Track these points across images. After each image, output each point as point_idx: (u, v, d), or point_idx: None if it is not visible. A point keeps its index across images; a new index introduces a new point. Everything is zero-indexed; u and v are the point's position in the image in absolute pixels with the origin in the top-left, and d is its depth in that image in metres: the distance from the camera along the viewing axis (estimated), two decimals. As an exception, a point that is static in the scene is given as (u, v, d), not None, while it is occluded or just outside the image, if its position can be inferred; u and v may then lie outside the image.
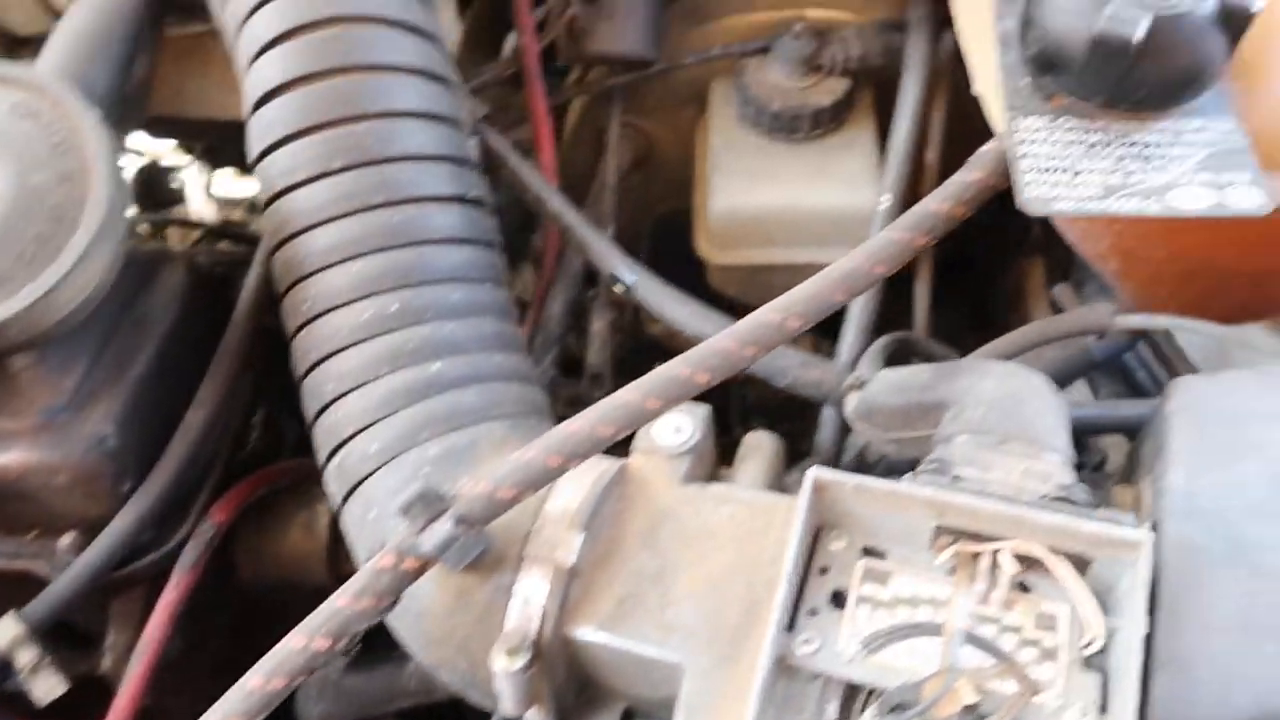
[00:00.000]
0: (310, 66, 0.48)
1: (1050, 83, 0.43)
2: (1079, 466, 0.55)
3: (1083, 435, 0.52)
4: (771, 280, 0.67)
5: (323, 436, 0.48)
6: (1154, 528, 0.36)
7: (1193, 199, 0.39)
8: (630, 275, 0.56)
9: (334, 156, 0.48)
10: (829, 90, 0.65)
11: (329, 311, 0.47)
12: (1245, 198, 0.39)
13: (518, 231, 0.75)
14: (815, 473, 0.38)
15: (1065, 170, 0.41)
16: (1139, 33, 0.38)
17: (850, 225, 0.62)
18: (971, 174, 0.43)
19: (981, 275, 0.81)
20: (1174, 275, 0.54)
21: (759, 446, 0.49)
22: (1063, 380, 0.59)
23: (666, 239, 0.76)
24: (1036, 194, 0.40)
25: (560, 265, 0.67)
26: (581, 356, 0.68)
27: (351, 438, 0.46)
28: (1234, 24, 0.39)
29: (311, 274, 0.48)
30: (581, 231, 0.58)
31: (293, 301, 0.49)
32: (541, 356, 0.65)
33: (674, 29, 0.71)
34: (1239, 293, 0.56)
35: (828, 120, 0.65)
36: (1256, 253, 0.49)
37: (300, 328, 0.48)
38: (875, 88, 0.67)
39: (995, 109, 0.46)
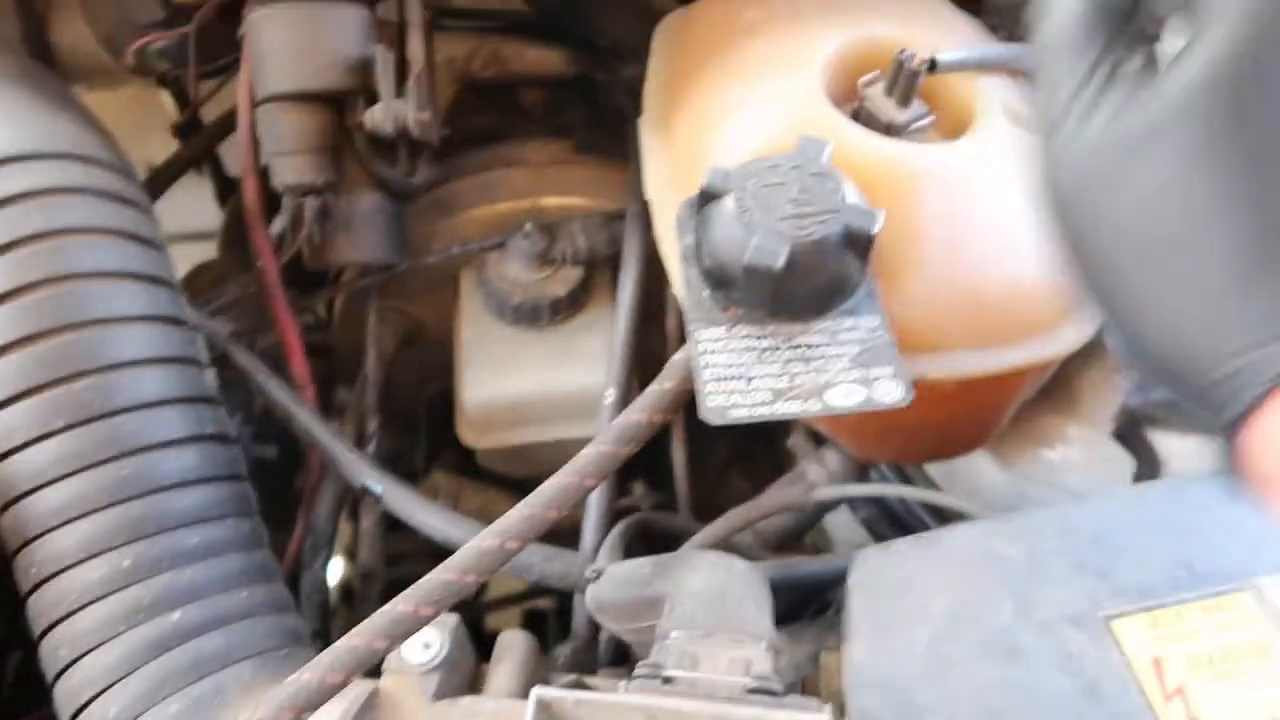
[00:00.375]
0: (25, 329, 0.48)
1: (724, 296, 0.48)
2: (824, 608, 0.59)
3: (814, 588, 0.57)
4: (534, 456, 0.71)
5: (62, 702, 0.47)
6: (842, 702, 0.41)
7: (846, 396, 0.45)
8: (378, 486, 0.58)
9: (55, 417, 0.48)
10: (564, 280, 0.69)
11: (59, 574, 0.47)
12: (888, 392, 0.45)
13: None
14: (537, 692, 0.40)
15: (740, 378, 0.45)
16: (780, 261, 0.44)
17: (597, 401, 0.66)
18: (665, 383, 0.48)
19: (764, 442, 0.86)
20: (873, 432, 0.60)
21: (511, 647, 0.51)
22: (803, 529, 0.65)
23: (444, 413, 0.78)
24: (715, 404, 0.44)
25: (326, 464, 0.68)
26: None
27: (89, 702, 0.45)
28: (859, 244, 0.46)
29: (38, 537, 0.47)
30: (330, 446, 0.60)
31: (21, 565, 0.48)
32: (312, 560, 0.65)
33: (422, 222, 0.75)
34: (937, 438, 0.63)
35: (566, 307, 0.70)
36: (930, 412, 0.56)
37: (31, 592, 0.48)
38: (613, 270, 0.72)
39: (685, 308, 0.51)
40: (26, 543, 0.48)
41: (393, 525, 0.70)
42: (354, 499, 0.70)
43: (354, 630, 0.42)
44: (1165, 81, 0.28)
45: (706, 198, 0.47)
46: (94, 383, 0.48)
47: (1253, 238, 0.26)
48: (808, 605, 0.61)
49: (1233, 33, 0.26)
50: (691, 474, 0.70)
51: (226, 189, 0.94)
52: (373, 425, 0.70)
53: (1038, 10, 0.32)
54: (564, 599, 0.82)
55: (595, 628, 0.57)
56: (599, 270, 0.72)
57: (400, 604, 0.42)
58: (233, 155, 0.98)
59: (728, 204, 0.46)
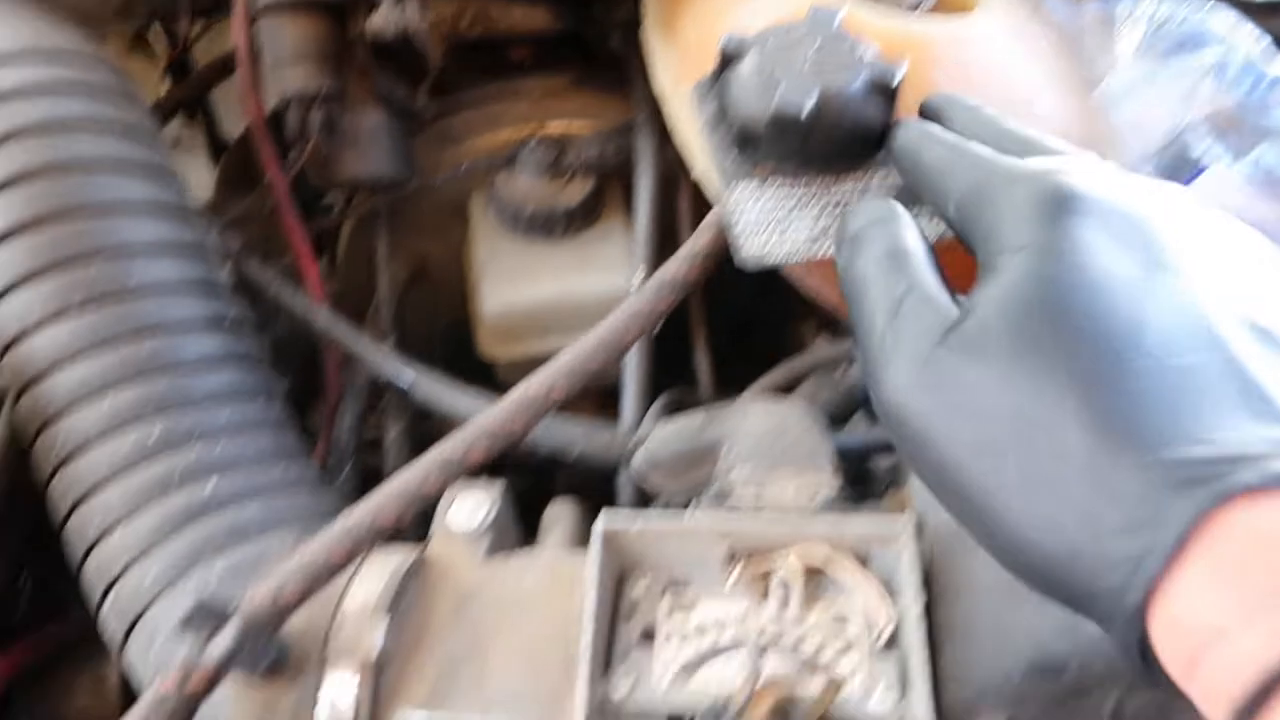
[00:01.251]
0: (32, 213, 0.44)
1: (752, 155, 0.45)
2: (863, 496, 0.56)
3: (861, 460, 0.54)
4: (555, 366, 0.67)
5: (93, 577, 0.42)
6: (919, 521, 0.38)
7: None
8: (407, 376, 0.55)
9: (69, 294, 0.44)
10: (576, 190, 0.66)
11: (83, 449, 0.43)
12: (924, 229, 0.43)
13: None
14: (602, 522, 0.37)
15: (774, 227, 0.43)
16: (806, 108, 0.41)
17: (616, 306, 0.63)
18: (700, 240, 0.45)
19: (764, 340, 0.83)
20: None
21: (559, 517, 0.48)
22: (840, 418, 0.62)
23: (456, 345, 0.74)
24: (751, 251, 0.42)
25: (346, 381, 0.64)
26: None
27: (125, 570, 0.41)
28: (883, 94, 0.44)
29: (59, 415, 0.43)
30: (353, 342, 0.56)
31: (43, 447, 0.44)
32: (335, 474, 0.61)
33: (428, 153, 0.71)
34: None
35: (580, 217, 0.67)
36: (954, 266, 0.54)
37: (54, 473, 0.43)
38: (623, 183, 0.69)
39: (712, 184, 0.48)
40: (47, 423, 0.43)
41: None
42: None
43: (401, 472, 0.38)
44: (976, 307, 0.28)
45: (726, 61, 0.45)
46: (106, 265, 0.44)
47: (1098, 419, 0.25)
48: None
49: (1028, 261, 0.28)
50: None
51: (220, 152, 0.90)
52: (390, 340, 0.66)
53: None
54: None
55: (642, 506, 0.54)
56: (611, 183, 0.69)
57: (450, 447, 0.38)
58: (228, 118, 0.95)
59: (748, 64, 0.44)
